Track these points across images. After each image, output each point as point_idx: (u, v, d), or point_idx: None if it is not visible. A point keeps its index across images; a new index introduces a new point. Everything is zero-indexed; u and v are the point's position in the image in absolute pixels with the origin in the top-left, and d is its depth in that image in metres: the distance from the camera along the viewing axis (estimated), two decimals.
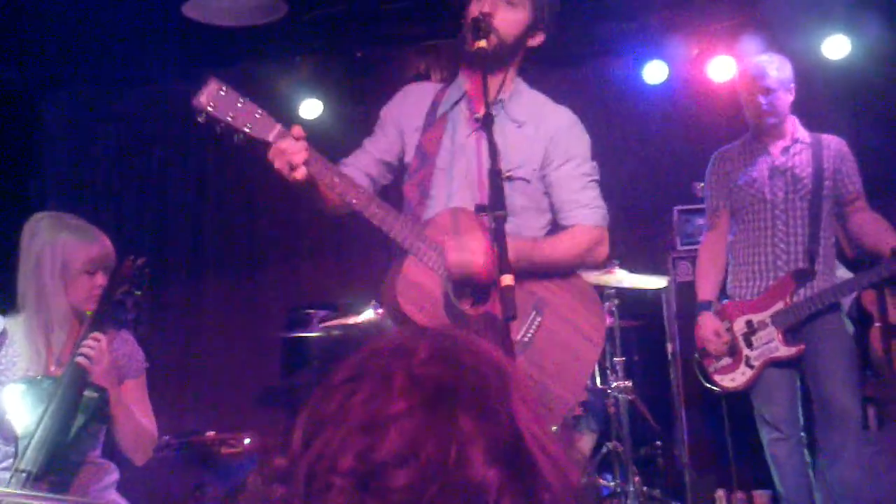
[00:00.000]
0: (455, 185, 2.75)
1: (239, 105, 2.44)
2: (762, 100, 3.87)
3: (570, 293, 2.80)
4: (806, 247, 3.82)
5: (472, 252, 2.58)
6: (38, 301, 2.87)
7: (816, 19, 5.62)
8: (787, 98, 3.93)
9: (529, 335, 2.70)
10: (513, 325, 2.56)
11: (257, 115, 2.46)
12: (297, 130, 2.50)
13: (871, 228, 3.91)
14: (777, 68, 3.90)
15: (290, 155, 2.46)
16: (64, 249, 2.87)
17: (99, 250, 2.93)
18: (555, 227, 2.88)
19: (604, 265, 4.58)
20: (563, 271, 2.80)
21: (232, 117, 2.43)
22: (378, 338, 1.10)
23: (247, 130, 2.45)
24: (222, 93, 2.43)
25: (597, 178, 2.88)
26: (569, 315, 2.76)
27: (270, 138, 2.47)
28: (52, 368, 2.86)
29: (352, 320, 5.03)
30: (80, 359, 2.73)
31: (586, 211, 2.82)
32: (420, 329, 1.12)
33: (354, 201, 2.58)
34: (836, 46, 5.62)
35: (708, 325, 3.90)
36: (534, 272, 2.70)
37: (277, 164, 2.48)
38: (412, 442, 0.96)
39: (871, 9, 5.54)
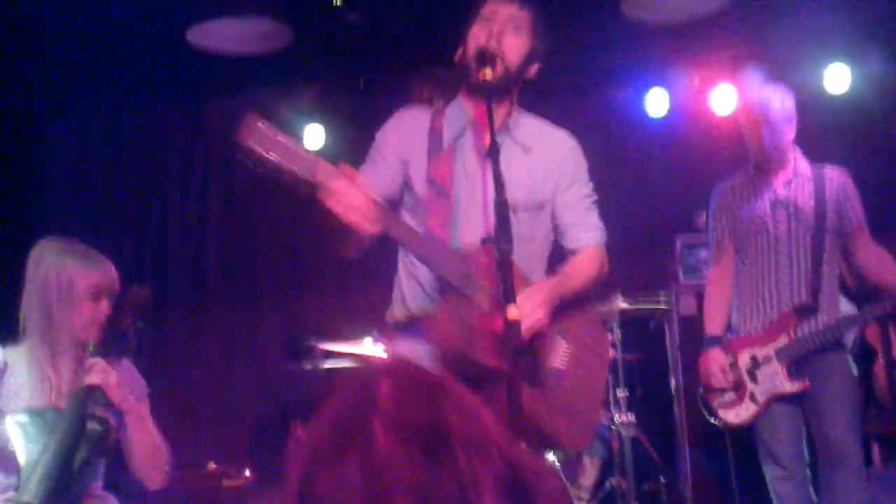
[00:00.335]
0: (466, 216, 2.74)
1: (280, 141, 2.35)
2: (765, 131, 3.87)
3: (580, 315, 2.83)
4: (809, 280, 3.81)
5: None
6: (44, 327, 2.87)
7: (818, 50, 5.66)
8: (789, 130, 3.93)
9: (563, 362, 2.74)
10: (549, 354, 2.69)
11: (299, 152, 2.38)
12: (347, 169, 2.42)
13: (875, 262, 3.91)
14: (780, 99, 3.91)
15: (350, 197, 2.37)
16: (70, 275, 2.86)
17: (104, 276, 2.93)
18: (556, 248, 2.92)
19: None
20: (582, 295, 2.85)
21: (275, 155, 2.34)
22: (337, 391, 1.04)
23: (292, 168, 2.35)
24: (262, 128, 2.35)
25: (596, 198, 2.94)
26: (583, 337, 2.80)
27: (317, 177, 2.37)
28: (56, 399, 2.85)
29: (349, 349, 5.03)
30: (92, 379, 2.72)
31: (593, 233, 2.89)
32: (370, 369, 1.07)
33: (404, 241, 2.59)
34: (838, 77, 5.65)
35: (716, 360, 3.88)
36: (563, 303, 2.73)
37: (334, 206, 2.36)
38: (425, 498, 0.93)
39: (872, 41, 5.58)
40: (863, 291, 4.11)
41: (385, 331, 2.98)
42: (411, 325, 2.79)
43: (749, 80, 4.71)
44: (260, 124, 2.34)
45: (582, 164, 2.92)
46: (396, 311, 2.87)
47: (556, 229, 2.89)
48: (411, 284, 2.81)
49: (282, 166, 2.35)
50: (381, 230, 2.48)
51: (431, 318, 2.69)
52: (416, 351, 2.76)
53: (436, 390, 1.00)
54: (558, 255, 2.95)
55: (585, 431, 2.80)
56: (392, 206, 2.84)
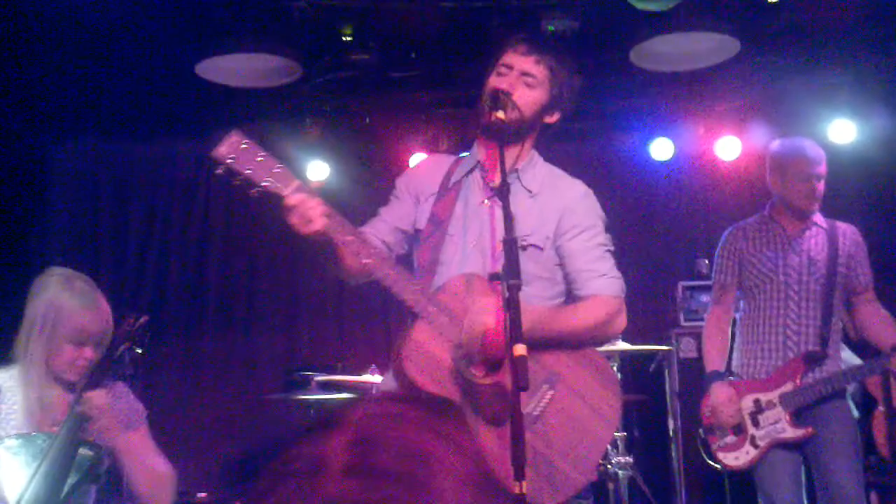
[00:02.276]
0: (467, 252, 2.74)
1: (259, 159, 2.45)
2: (818, 185, 3.90)
3: (586, 368, 2.72)
4: (818, 329, 3.82)
5: (483, 313, 2.53)
6: (28, 358, 2.84)
7: (822, 105, 5.72)
8: None
9: (539, 409, 2.63)
10: (522, 396, 2.49)
11: (276, 170, 2.46)
12: (310, 187, 2.51)
13: (875, 322, 3.94)
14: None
15: (306, 209, 2.46)
16: (59, 309, 2.83)
17: (93, 321, 2.86)
18: (569, 299, 2.83)
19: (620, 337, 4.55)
20: (581, 343, 2.73)
21: (251, 170, 2.44)
22: (297, 442, 0.98)
23: (264, 184, 2.45)
24: (243, 146, 2.44)
25: (612, 248, 2.84)
26: (583, 390, 2.68)
27: (286, 193, 2.47)
28: (47, 426, 2.82)
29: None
30: (82, 408, 2.69)
31: (604, 280, 2.77)
32: (342, 420, 0.97)
33: (367, 260, 2.56)
34: (842, 131, 5.70)
35: (723, 393, 3.85)
36: (550, 343, 2.63)
37: (292, 218, 2.47)
38: None
39: (875, 96, 5.64)
40: (863, 341, 4.12)
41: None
42: None
43: (757, 132, 4.75)
44: (242, 143, 2.44)
45: (595, 213, 2.85)
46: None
47: (567, 277, 2.82)
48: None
49: (255, 181, 2.45)
50: (323, 229, 2.50)
51: (396, 344, 2.68)
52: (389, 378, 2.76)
53: (382, 454, 0.93)
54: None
55: (555, 489, 2.58)
56: (408, 244, 2.88)
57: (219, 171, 2.43)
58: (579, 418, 2.66)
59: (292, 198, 2.46)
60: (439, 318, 2.59)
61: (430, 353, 2.58)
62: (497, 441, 2.45)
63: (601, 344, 2.89)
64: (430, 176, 2.91)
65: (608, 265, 2.80)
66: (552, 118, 2.85)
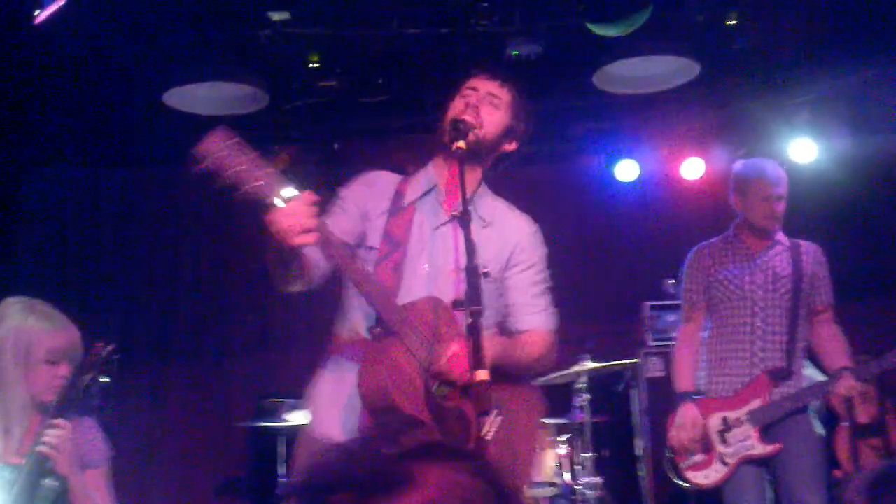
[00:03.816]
0: (428, 276, 2.74)
1: (246, 158, 2.24)
2: (778, 207, 3.97)
3: (517, 392, 2.80)
4: (785, 346, 3.86)
5: (452, 338, 2.57)
6: (6, 389, 2.82)
7: (782, 124, 5.82)
8: None
9: (493, 432, 2.66)
10: (480, 422, 2.52)
11: (265, 173, 2.25)
12: (309, 195, 2.31)
13: (828, 344, 3.98)
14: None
15: (303, 217, 2.27)
16: (29, 336, 2.80)
17: (64, 340, 2.84)
18: (501, 330, 2.86)
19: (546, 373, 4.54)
20: (520, 374, 2.82)
21: (239, 170, 2.23)
22: None
23: (255, 185, 2.24)
24: (231, 142, 2.24)
25: (550, 284, 2.92)
26: (516, 415, 2.75)
27: (275, 199, 2.25)
28: (13, 458, 2.80)
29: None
30: (42, 447, 2.67)
31: (545, 316, 2.87)
32: None
33: (354, 276, 2.55)
34: (803, 150, 5.79)
35: (689, 414, 3.89)
36: (505, 373, 2.68)
37: (284, 225, 2.25)
38: None
39: (835, 116, 5.75)
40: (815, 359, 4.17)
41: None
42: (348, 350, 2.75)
43: (754, 154, 4.81)
44: (229, 140, 2.24)
45: (540, 250, 2.92)
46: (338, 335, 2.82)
47: (506, 308, 2.87)
48: (351, 317, 2.77)
49: (241, 181, 2.24)
50: (324, 250, 2.44)
51: (363, 360, 2.61)
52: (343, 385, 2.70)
53: None
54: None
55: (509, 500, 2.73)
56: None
57: (200, 168, 2.19)
58: (514, 443, 2.74)
59: (288, 205, 2.24)
60: (411, 338, 2.59)
61: (405, 374, 2.56)
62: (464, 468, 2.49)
63: (533, 377, 2.95)
64: (378, 192, 2.86)
65: (547, 301, 2.89)
66: (510, 146, 2.88)
